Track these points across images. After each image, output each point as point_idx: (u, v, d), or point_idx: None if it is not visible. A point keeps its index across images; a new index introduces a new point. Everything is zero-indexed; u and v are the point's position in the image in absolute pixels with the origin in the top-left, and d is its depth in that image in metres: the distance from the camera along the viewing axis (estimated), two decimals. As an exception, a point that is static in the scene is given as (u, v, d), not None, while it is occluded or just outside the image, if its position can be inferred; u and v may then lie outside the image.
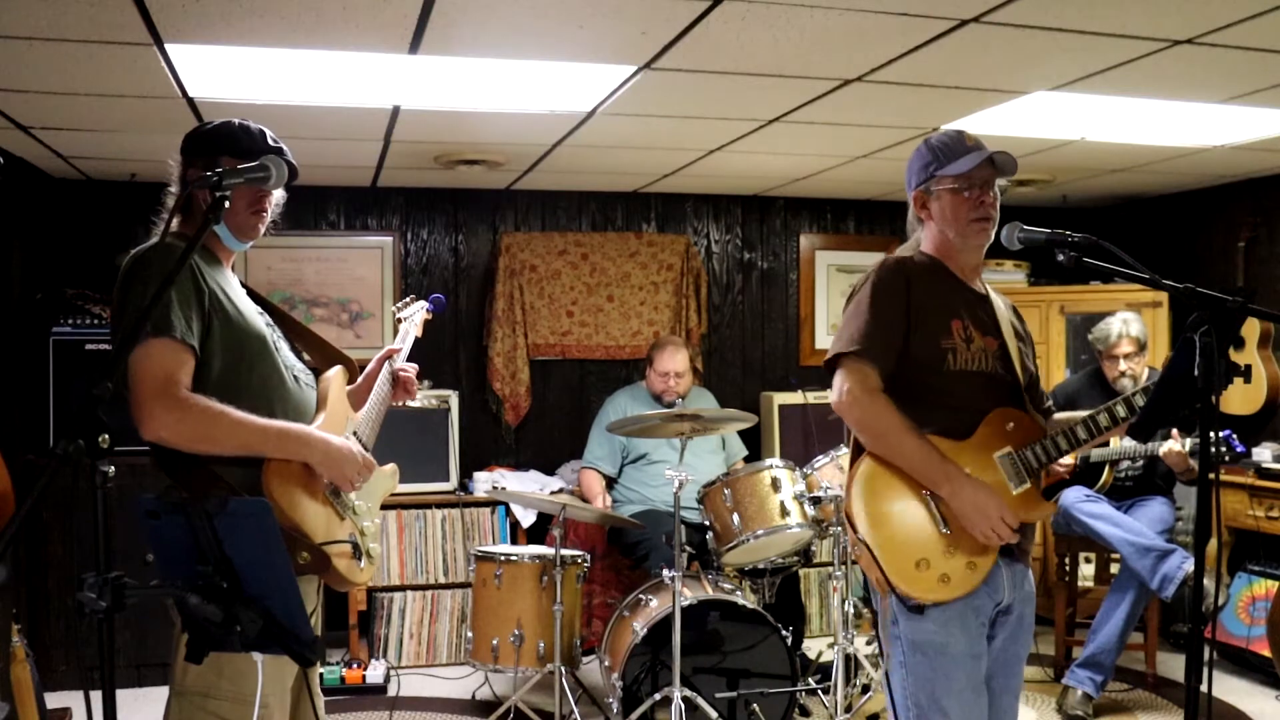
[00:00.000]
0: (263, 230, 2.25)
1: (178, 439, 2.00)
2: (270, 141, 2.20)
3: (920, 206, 2.40)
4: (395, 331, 2.82)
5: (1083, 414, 2.38)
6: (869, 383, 2.25)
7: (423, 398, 5.06)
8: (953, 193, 2.32)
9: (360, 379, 2.56)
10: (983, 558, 2.24)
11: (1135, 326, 4.38)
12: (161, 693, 2.11)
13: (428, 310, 2.85)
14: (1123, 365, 4.35)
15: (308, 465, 2.13)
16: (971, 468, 2.26)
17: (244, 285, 2.30)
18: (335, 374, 2.36)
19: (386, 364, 2.58)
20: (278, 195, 2.27)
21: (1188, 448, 4.10)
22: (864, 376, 2.25)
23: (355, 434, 2.32)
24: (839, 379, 2.29)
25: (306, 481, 2.12)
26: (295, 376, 2.26)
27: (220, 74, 3.23)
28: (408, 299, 2.89)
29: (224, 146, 2.16)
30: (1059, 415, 2.51)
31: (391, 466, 2.47)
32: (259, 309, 2.28)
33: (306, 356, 2.43)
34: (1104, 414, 2.30)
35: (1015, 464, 2.31)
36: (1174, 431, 4.10)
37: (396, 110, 3.77)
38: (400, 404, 2.62)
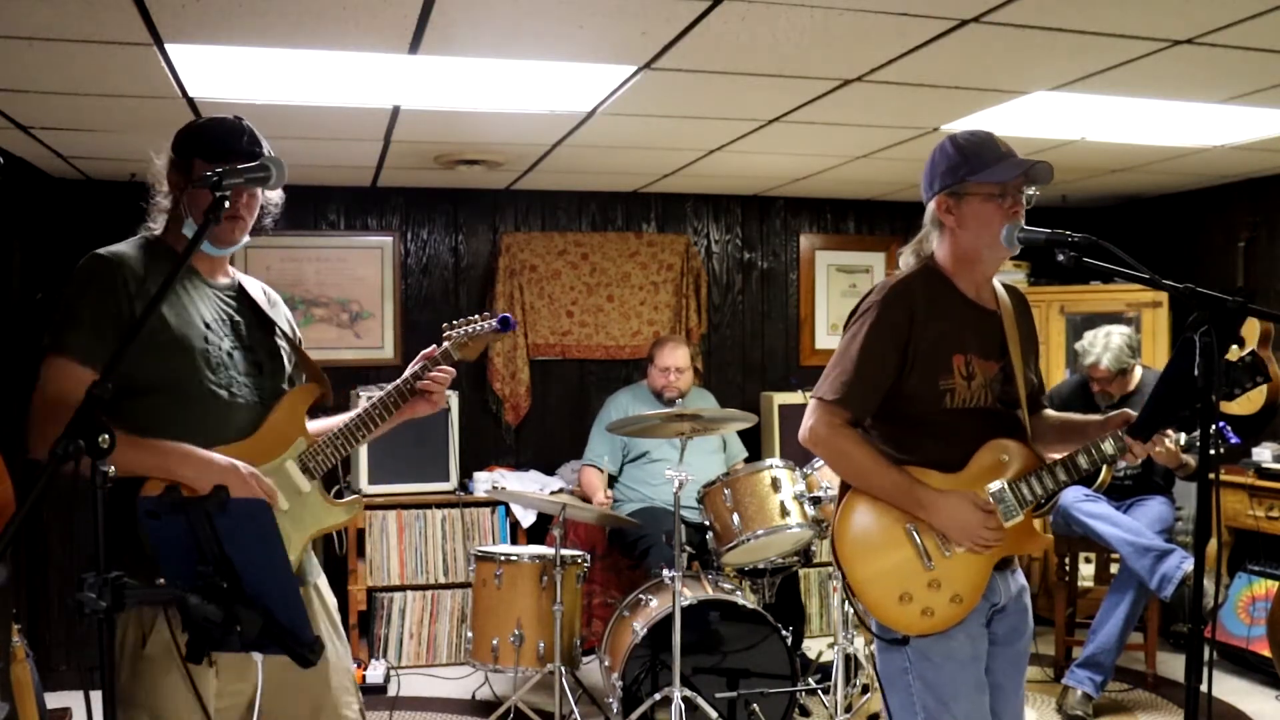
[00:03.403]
0: (240, 237, 2.14)
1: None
2: (245, 142, 2.07)
3: (944, 211, 2.26)
4: (441, 340, 2.45)
5: (1084, 417, 2.39)
6: (834, 420, 2.26)
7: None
8: (986, 199, 2.22)
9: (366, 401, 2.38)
10: (969, 592, 2.22)
11: (1108, 358, 4.29)
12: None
13: (495, 327, 2.39)
14: (1097, 386, 4.37)
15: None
16: None
17: (240, 292, 2.22)
18: (291, 395, 2.21)
19: (412, 367, 2.40)
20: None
21: (1184, 442, 4.10)
22: (831, 416, 2.26)
23: (301, 457, 2.18)
24: (807, 415, 2.31)
25: None
26: (232, 393, 2.11)
27: (220, 74, 3.23)
28: (479, 315, 2.45)
29: (198, 149, 2.07)
30: (1049, 413, 2.48)
31: (351, 499, 2.27)
32: (236, 318, 2.16)
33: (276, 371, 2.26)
34: (1109, 441, 2.23)
35: (1009, 497, 2.24)
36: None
37: (396, 110, 3.77)
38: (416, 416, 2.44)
